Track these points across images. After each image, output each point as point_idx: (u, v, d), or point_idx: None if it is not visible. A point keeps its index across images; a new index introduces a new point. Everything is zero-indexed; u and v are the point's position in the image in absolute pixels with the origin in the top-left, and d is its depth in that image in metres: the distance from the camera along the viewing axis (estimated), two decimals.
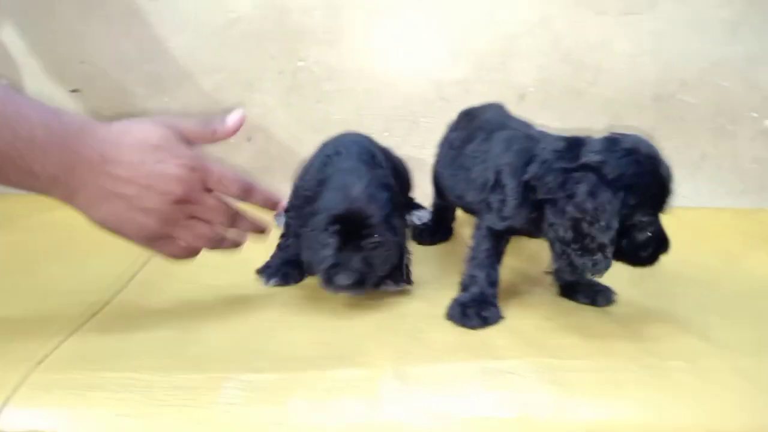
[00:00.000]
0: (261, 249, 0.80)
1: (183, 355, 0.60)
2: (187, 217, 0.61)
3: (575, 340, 0.62)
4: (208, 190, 0.62)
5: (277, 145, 1.08)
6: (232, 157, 1.07)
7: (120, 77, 1.04)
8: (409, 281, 0.74)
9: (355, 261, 0.67)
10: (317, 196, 0.75)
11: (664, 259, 0.83)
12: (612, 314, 0.68)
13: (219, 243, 0.65)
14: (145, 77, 1.04)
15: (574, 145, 0.63)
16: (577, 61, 1.00)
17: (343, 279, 0.66)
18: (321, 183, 0.75)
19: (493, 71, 1.01)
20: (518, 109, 1.02)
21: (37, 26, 1.02)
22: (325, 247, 0.68)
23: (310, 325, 0.67)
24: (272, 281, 0.75)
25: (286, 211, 0.86)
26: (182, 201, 0.60)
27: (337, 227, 0.67)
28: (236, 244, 0.67)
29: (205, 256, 0.66)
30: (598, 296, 0.71)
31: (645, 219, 0.61)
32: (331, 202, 0.68)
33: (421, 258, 0.81)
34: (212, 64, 1.03)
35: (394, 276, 0.74)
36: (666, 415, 0.53)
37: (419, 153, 1.06)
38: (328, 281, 0.67)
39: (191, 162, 0.59)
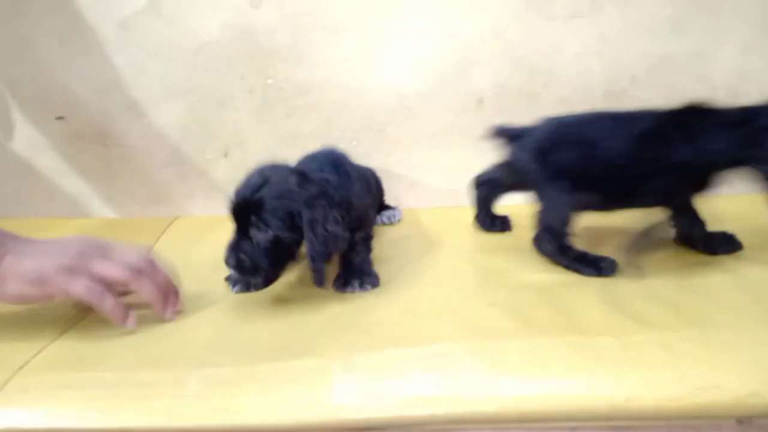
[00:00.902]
0: None
1: (149, 356, 0.65)
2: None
3: (513, 324, 0.67)
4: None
5: (253, 159, 1.11)
6: (212, 173, 1.14)
7: (101, 102, 1.10)
8: (373, 284, 0.79)
9: (243, 246, 0.72)
10: None
11: (604, 249, 0.87)
12: (553, 298, 0.72)
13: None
14: (125, 101, 1.09)
15: None
16: (530, 65, 1.05)
17: (227, 258, 0.72)
18: None
19: (451, 79, 1.06)
20: (477, 114, 1.08)
21: (21, 59, 1.08)
22: None
23: (266, 323, 0.71)
24: (236, 288, 0.79)
25: None
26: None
27: (230, 213, 0.73)
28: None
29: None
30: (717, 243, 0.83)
31: None
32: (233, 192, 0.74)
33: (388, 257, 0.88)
34: (186, 85, 1.09)
35: (361, 279, 0.79)
36: (590, 386, 0.57)
37: (387, 159, 1.12)
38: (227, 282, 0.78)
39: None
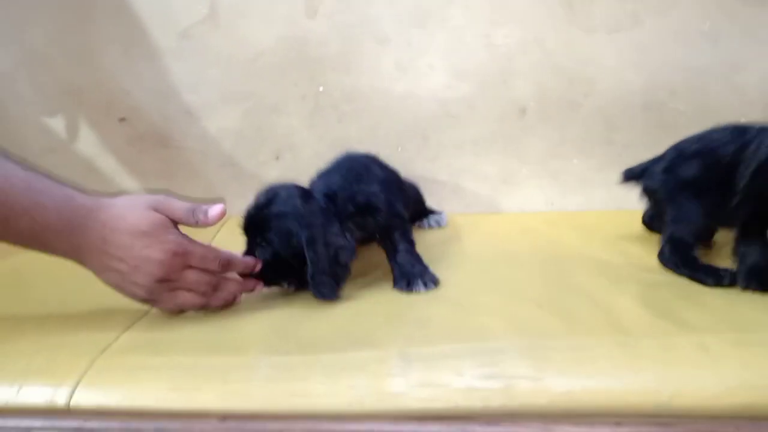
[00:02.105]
0: None
1: (221, 342, 0.71)
2: (170, 290, 0.74)
3: (558, 324, 0.71)
4: (191, 267, 0.74)
5: (303, 162, 1.19)
6: (264, 175, 1.20)
7: (161, 107, 1.16)
8: (435, 281, 0.84)
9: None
10: None
11: (647, 258, 0.90)
12: (595, 301, 0.76)
13: (205, 305, 0.77)
14: (183, 106, 1.16)
15: None
16: (571, 75, 1.08)
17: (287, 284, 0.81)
18: None
19: (494, 88, 1.10)
20: (521, 123, 1.12)
21: (87, 66, 1.16)
22: None
23: (328, 316, 0.76)
24: (291, 286, 0.84)
25: None
26: (164, 280, 0.72)
27: (243, 232, 0.81)
28: (227, 304, 0.79)
29: None
30: None
31: None
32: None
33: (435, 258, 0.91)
34: (242, 92, 1.15)
35: (423, 278, 0.84)
36: (632, 383, 0.61)
37: (431, 165, 1.17)
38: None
39: (174, 247, 0.72)
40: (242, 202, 1.21)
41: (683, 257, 0.84)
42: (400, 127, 1.15)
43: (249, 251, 0.81)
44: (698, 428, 0.59)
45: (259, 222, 0.79)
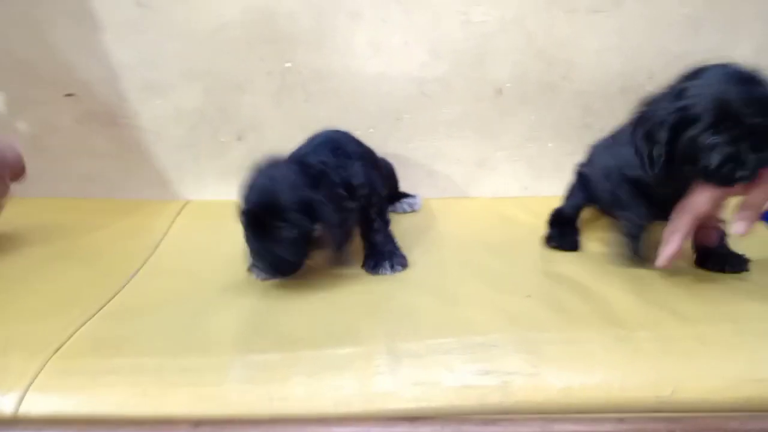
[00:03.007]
0: None
1: (189, 341, 0.65)
2: None
3: (551, 316, 0.68)
4: None
5: (268, 143, 1.10)
6: (225, 156, 1.13)
7: (115, 82, 1.07)
8: (403, 264, 0.81)
9: (271, 248, 0.73)
10: None
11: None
12: (585, 290, 0.73)
13: None
14: (139, 81, 1.07)
15: None
16: (550, 56, 1.05)
17: (257, 273, 0.75)
18: None
19: (470, 68, 1.06)
20: (495, 103, 1.09)
21: (34, 38, 1.05)
22: (246, 241, 0.74)
23: (305, 308, 0.71)
24: (261, 276, 0.78)
25: None
26: None
27: (246, 221, 0.73)
28: None
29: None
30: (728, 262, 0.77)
31: None
32: (242, 199, 0.74)
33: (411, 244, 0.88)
34: (203, 67, 1.06)
35: (391, 261, 0.81)
36: (632, 377, 0.59)
37: (404, 147, 1.12)
38: (251, 272, 0.77)
39: None
40: (200, 185, 1.15)
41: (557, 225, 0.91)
42: (372, 108, 1.10)
43: (263, 240, 0.73)
44: (703, 423, 0.57)
45: (271, 205, 0.72)
